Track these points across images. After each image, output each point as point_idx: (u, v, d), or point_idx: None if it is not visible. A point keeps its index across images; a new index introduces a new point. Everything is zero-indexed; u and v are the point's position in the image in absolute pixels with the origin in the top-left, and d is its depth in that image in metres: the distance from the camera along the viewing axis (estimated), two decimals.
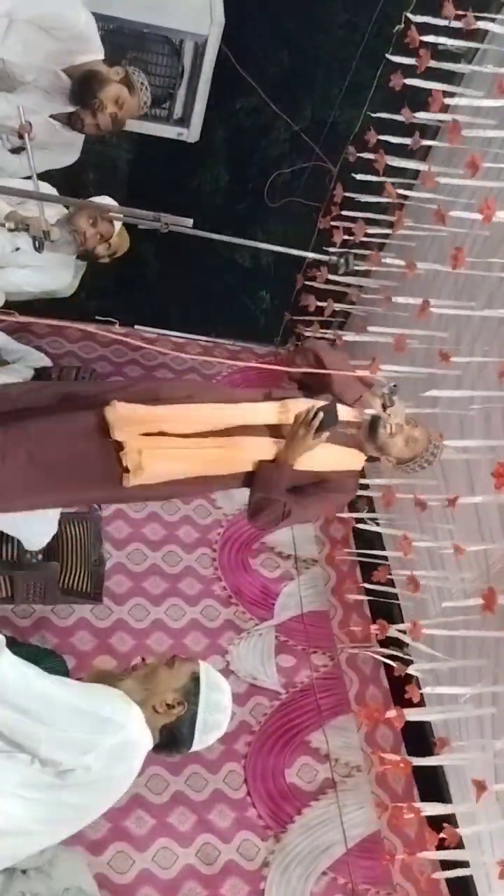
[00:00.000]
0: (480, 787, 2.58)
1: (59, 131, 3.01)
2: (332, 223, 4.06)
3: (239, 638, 3.78)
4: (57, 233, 2.97)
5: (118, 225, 3.21)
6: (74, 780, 1.67)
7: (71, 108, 2.96)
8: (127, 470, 2.17)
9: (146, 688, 1.81)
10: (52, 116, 2.99)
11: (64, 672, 3.11)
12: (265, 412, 2.42)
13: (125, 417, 2.22)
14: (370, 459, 2.54)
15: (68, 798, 1.70)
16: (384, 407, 2.38)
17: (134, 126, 3.66)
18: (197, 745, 1.85)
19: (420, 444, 2.43)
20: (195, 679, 1.84)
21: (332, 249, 3.98)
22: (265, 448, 2.38)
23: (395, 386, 2.39)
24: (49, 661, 3.07)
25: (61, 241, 3.03)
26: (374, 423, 2.42)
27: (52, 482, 2.20)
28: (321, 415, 2.31)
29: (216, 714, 1.85)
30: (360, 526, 3.78)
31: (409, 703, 3.10)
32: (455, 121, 3.10)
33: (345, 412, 2.45)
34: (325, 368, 2.44)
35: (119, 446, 2.17)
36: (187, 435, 2.29)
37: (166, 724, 1.80)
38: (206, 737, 1.85)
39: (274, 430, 2.42)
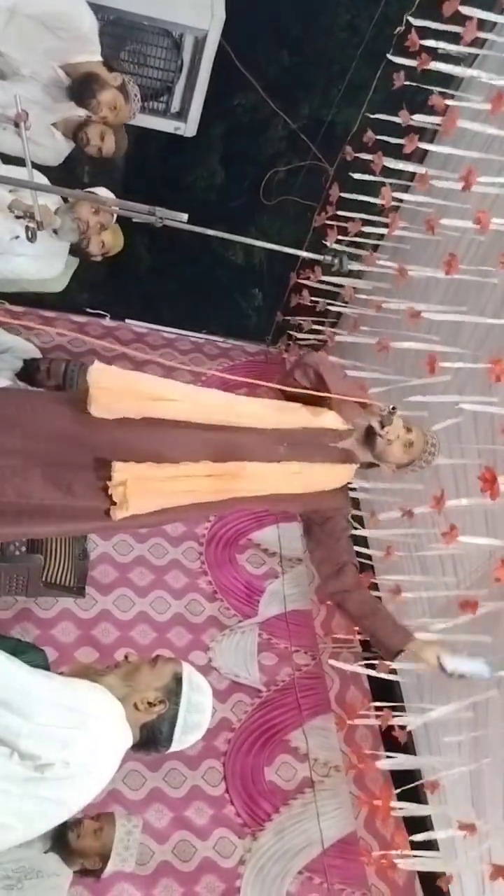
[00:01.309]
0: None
1: (56, 139, 3.04)
2: (327, 222, 4.05)
3: (222, 634, 3.78)
4: (58, 220, 2.97)
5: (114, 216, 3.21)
6: (53, 774, 1.66)
7: (67, 111, 2.98)
8: (114, 503, 2.10)
9: (128, 684, 1.80)
10: (54, 125, 3.02)
11: (44, 665, 3.09)
12: (265, 413, 2.34)
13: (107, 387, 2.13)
14: (367, 466, 2.48)
15: (46, 792, 1.69)
16: (382, 425, 2.33)
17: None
18: (176, 746, 1.84)
19: (417, 447, 2.39)
20: (177, 679, 1.83)
21: (326, 248, 4.02)
22: (270, 474, 2.27)
23: (393, 408, 2.34)
24: (29, 654, 3.05)
25: (66, 229, 3.05)
26: (371, 434, 2.37)
27: (41, 514, 2.11)
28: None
29: (196, 715, 1.84)
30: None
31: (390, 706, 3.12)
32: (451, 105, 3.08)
33: (338, 421, 2.39)
34: (326, 386, 2.34)
35: (108, 475, 2.10)
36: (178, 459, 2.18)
37: (147, 723, 1.79)
38: (185, 737, 1.84)
39: (273, 438, 2.31)
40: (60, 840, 2.60)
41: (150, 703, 1.79)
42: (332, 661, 3.54)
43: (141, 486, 2.11)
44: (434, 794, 2.76)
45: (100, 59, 2.99)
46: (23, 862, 2.46)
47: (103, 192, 3.21)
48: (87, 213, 3.13)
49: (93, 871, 2.67)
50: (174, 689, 1.82)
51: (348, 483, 2.51)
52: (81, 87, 2.94)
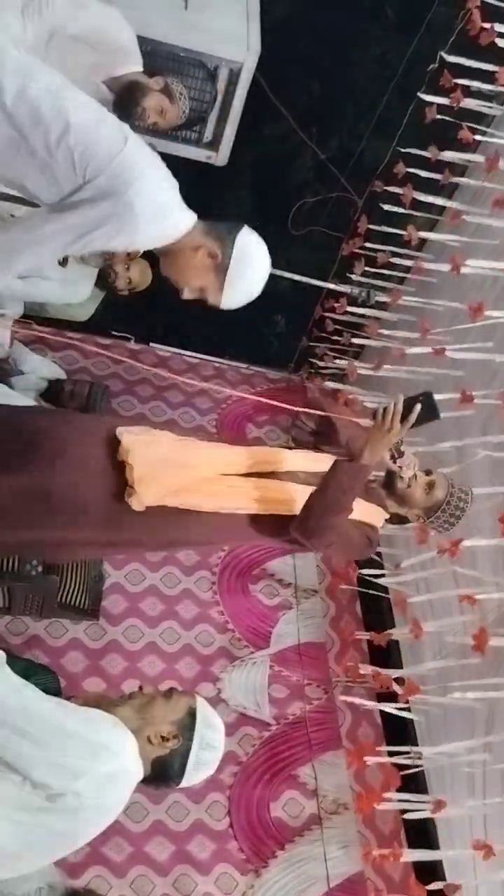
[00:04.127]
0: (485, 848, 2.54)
1: None
2: (355, 251, 4.07)
3: (232, 665, 3.72)
4: None
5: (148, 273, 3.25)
6: (64, 805, 1.65)
7: None
8: (130, 493, 2.05)
9: (142, 717, 1.79)
10: None
11: (56, 688, 3.07)
12: (294, 459, 2.32)
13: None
14: (397, 521, 2.43)
15: (56, 823, 1.67)
16: (393, 458, 2.29)
17: (164, 147, 3.67)
18: (186, 782, 1.83)
19: (440, 490, 2.32)
20: (192, 714, 1.82)
21: (353, 279, 4.03)
22: (301, 492, 2.22)
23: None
24: (41, 675, 3.03)
25: (91, 254, 3.07)
26: (390, 477, 2.34)
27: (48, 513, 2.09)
28: (418, 407, 2.06)
29: (208, 753, 1.83)
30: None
31: (403, 743, 3.07)
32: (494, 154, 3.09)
33: None
34: (330, 421, 2.36)
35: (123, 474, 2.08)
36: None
37: (158, 757, 1.78)
38: (195, 774, 1.83)
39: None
40: None
41: (163, 738, 1.78)
42: (343, 697, 3.49)
43: (156, 479, 2.07)
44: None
45: (141, 69, 2.96)
46: None
47: None
48: (119, 267, 3.15)
49: None
50: (188, 724, 1.80)
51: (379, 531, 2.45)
52: (125, 98, 2.91)
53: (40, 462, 2.08)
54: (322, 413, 2.39)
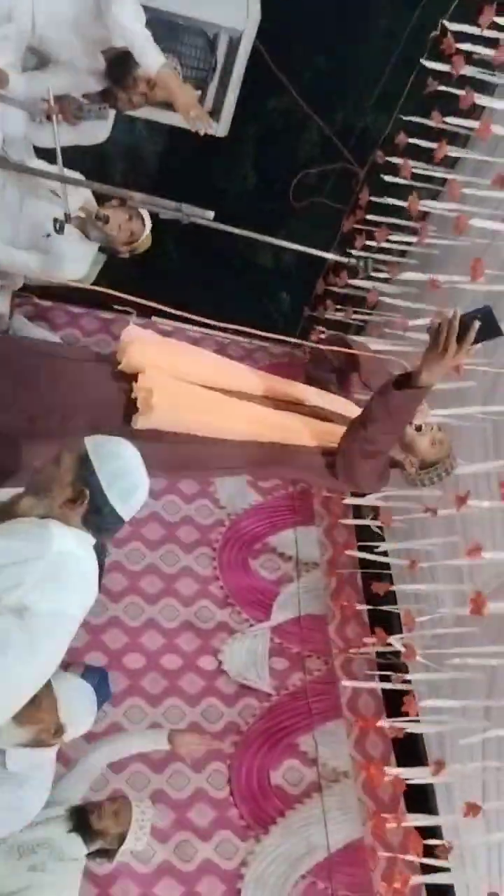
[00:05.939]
0: (473, 808, 2.56)
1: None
2: (356, 226, 4.04)
3: (233, 637, 3.75)
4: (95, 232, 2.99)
5: (147, 227, 3.23)
6: (28, 622, 1.57)
7: (100, 87, 2.98)
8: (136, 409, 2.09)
9: (44, 496, 1.71)
10: (84, 95, 3.02)
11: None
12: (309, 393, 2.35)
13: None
14: (392, 465, 2.42)
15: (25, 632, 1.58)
16: None
17: (163, 117, 3.65)
18: (126, 512, 1.76)
19: (444, 448, 2.34)
20: (83, 460, 1.73)
21: (353, 252, 4.00)
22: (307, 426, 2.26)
23: None
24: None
25: (94, 231, 3.07)
26: None
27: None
28: (476, 324, 1.83)
29: (122, 480, 1.75)
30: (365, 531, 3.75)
31: (404, 714, 3.09)
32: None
33: None
34: (353, 358, 2.38)
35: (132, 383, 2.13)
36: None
37: (84, 516, 1.71)
38: (129, 504, 1.76)
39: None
40: (81, 822, 2.59)
41: (71, 500, 1.71)
42: (345, 683, 3.52)
43: (168, 392, 2.12)
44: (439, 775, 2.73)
45: None
46: (47, 844, 2.44)
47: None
48: (121, 218, 3.15)
49: (108, 852, 2.66)
50: (87, 471, 1.72)
51: None
52: (117, 66, 2.93)
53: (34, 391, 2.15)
54: (346, 350, 2.39)
